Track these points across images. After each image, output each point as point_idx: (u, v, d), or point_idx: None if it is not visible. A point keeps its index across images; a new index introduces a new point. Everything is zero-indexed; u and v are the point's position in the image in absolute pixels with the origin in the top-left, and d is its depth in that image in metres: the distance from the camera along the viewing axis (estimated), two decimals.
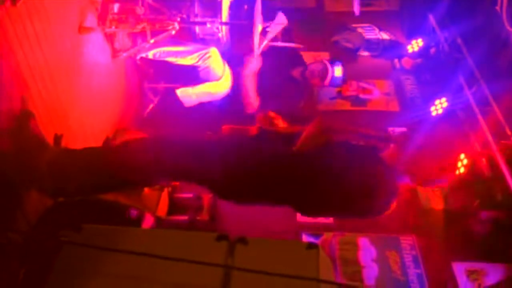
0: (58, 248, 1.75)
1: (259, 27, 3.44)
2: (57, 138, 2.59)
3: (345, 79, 4.04)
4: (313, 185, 1.97)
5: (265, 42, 3.50)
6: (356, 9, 4.52)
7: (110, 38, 3.41)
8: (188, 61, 3.51)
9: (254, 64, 3.58)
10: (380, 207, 1.98)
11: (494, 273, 3.32)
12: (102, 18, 3.26)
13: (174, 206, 3.59)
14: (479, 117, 4.08)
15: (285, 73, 3.75)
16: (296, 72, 3.79)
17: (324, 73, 3.69)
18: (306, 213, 2.20)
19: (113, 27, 3.31)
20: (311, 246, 1.60)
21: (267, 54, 3.69)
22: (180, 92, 3.68)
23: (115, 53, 3.48)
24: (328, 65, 3.70)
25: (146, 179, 2.32)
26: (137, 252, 1.29)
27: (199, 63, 3.49)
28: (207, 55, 3.46)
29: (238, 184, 2.08)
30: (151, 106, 4.21)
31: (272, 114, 2.50)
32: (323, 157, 2.00)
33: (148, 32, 3.37)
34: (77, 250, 1.50)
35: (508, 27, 3.92)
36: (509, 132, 3.80)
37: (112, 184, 2.29)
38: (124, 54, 3.52)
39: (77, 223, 2.22)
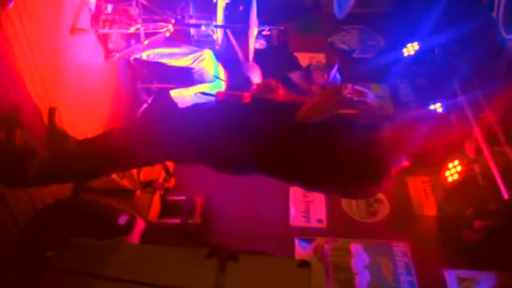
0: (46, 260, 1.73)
1: (254, 30, 3.40)
2: (51, 112, 2.52)
3: (341, 81, 4.00)
4: (314, 158, 1.86)
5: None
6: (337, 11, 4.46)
7: (103, 39, 3.36)
8: (182, 62, 3.47)
9: (257, 70, 3.47)
10: (373, 189, 1.91)
11: (485, 281, 3.32)
12: (95, 19, 3.21)
13: (167, 209, 3.56)
14: (473, 123, 4.06)
15: (282, 74, 3.69)
16: (295, 76, 3.73)
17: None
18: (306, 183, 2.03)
19: (107, 28, 3.27)
20: (302, 264, 1.57)
21: (261, 55, 3.65)
22: (174, 93, 3.64)
23: (108, 54, 3.43)
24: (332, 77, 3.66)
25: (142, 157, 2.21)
26: (123, 279, 1.26)
27: (194, 65, 3.45)
28: (202, 57, 3.42)
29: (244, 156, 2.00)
30: (144, 106, 4.17)
31: (273, 82, 2.41)
32: (328, 131, 1.90)
33: (142, 33, 3.33)
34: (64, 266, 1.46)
35: (504, 34, 3.90)
36: (502, 139, 3.79)
37: (105, 168, 2.24)
38: (118, 55, 3.47)
39: (66, 231, 2.20)
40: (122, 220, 2.63)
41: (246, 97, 2.13)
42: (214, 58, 3.54)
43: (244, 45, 3.37)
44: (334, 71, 3.68)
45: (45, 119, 2.48)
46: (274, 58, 3.92)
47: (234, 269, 1.55)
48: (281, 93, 2.23)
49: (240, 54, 3.47)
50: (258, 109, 2.10)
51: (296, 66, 3.94)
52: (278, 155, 1.91)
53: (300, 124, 1.91)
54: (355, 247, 3.52)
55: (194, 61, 3.46)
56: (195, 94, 3.63)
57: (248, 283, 1.46)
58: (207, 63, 3.48)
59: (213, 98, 3.67)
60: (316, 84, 3.69)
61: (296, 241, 3.58)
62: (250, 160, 1.94)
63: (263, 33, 3.61)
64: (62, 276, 1.42)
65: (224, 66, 3.68)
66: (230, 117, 2.03)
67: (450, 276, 3.38)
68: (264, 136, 1.93)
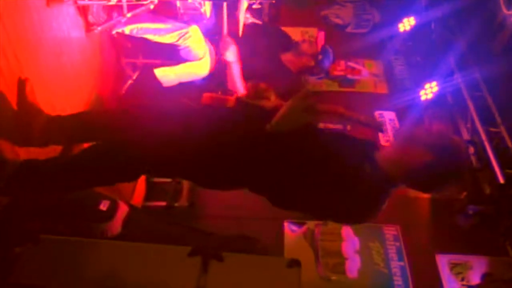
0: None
1: (244, 4, 3.22)
2: (22, 83, 2.34)
3: (334, 58, 3.82)
4: (286, 174, 1.70)
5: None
6: None
7: (83, 11, 3.16)
8: (167, 39, 3.27)
9: (233, 46, 3.26)
10: (362, 213, 1.79)
11: (478, 266, 3.27)
12: None
13: (152, 191, 3.44)
14: (469, 102, 3.96)
15: (275, 57, 3.48)
16: (287, 57, 3.50)
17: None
18: (278, 204, 1.89)
19: None
20: (292, 263, 1.46)
21: (253, 34, 3.44)
22: (159, 72, 3.46)
23: (88, 27, 3.23)
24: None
25: None
26: None
27: (179, 42, 3.26)
28: (187, 35, 3.23)
29: (210, 170, 1.87)
30: (129, 82, 4.00)
31: (263, 85, 2.25)
32: (302, 142, 1.73)
33: (125, 5, 3.13)
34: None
35: (505, 10, 3.76)
36: (499, 120, 3.70)
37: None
38: (99, 29, 3.28)
39: (42, 219, 2.06)
40: (104, 205, 2.51)
41: (231, 101, 1.93)
42: (201, 35, 3.35)
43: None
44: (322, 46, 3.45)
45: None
46: (267, 38, 3.69)
47: (218, 269, 1.43)
48: (272, 98, 2.05)
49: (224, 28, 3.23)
50: (240, 115, 1.93)
51: (289, 47, 3.73)
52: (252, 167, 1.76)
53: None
54: (346, 231, 3.44)
55: (180, 38, 3.26)
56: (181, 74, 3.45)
57: (232, 285, 1.35)
58: (193, 40, 3.28)
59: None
60: (306, 56, 3.46)
61: (286, 224, 3.48)
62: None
63: (253, 6, 3.40)
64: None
65: (213, 42, 3.48)
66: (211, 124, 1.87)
67: (442, 260, 3.33)
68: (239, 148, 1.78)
